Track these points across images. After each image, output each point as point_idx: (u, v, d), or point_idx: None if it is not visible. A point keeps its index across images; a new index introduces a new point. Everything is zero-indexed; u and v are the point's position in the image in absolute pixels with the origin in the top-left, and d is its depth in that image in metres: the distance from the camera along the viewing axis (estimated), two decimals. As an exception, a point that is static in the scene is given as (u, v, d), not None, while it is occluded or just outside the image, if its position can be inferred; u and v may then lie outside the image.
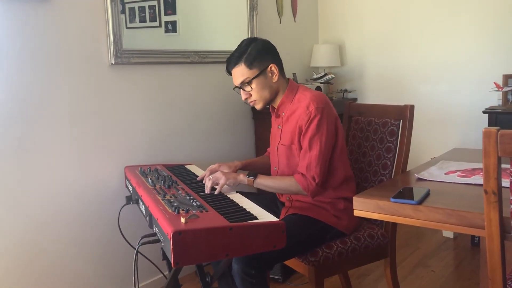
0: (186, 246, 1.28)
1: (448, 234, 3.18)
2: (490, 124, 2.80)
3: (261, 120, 3.03)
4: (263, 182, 1.85)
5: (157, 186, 1.82)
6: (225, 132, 2.91)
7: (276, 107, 1.94)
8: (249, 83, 1.84)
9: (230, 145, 2.95)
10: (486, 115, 2.82)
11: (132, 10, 2.38)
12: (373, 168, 2.06)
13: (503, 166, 1.04)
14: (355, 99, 3.62)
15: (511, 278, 1.30)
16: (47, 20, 2.01)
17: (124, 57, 2.28)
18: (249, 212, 1.53)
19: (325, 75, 3.41)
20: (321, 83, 3.32)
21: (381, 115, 2.09)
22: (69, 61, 2.10)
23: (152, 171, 2.11)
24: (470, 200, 1.29)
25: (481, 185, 1.09)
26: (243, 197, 1.75)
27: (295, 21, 3.52)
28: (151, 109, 2.46)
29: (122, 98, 2.33)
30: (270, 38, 1.97)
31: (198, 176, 2.02)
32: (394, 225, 1.96)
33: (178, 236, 1.27)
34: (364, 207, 1.35)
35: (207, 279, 1.85)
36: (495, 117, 2.79)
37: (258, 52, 1.83)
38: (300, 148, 1.83)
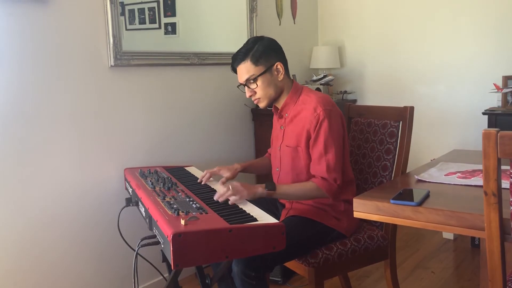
0: (186, 248, 1.28)
1: (448, 235, 3.18)
2: (489, 125, 2.80)
3: (261, 121, 3.03)
4: (283, 192, 1.80)
5: (157, 188, 1.82)
6: (225, 133, 2.91)
7: (279, 107, 1.93)
8: (255, 80, 1.83)
9: (230, 147, 2.95)
10: (486, 117, 2.82)
11: (131, 12, 2.37)
12: (373, 170, 2.06)
13: (503, 167, 1.04)
14: (354, 101, 3.62)
15: (511, 279, 1.29)
16: (47, 21, 2.01)
17: (124, 59, 2.28)
18: (249, 214, 1.53)
19: (324, 76, 3.41)
20: (321, 84, 3.32)
21: (380, 117, 2.09)
22: (69, 63, 2.10)
23: (152, 173, 2.11)
24: (470, 201, 1.29)
25: (481, 186, 1.09)
26: (243, 198, 1.75)
27: (294, 23, 3.52)
28: (150, 111, 2.46)
29: (122, 99, 2.33)
30: (269, 40, 1.97)
31: (197, 178, 2.02)
32: (394, 226, 1.96)
33: (178, 238, 1.27)
34: (364, 209, 1.35)
35: (207, 281, 1.84)
36: (495, 118, 2.79)
37: (264, 50, 1.83)
38: (308, 151, 1.82)
